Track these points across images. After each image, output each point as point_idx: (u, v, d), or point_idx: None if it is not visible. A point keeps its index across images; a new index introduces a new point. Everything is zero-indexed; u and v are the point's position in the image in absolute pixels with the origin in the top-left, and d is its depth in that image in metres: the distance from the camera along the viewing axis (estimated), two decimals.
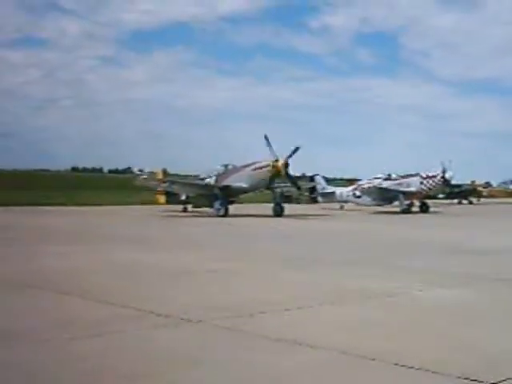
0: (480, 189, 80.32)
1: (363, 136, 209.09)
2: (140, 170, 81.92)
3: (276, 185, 38.11)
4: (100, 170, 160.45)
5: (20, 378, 5.85)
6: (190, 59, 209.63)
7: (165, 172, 45.45)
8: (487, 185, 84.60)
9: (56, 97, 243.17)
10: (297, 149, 36.56)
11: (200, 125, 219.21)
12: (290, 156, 36.54)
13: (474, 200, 76.90)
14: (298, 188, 41.50)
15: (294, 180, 38.94)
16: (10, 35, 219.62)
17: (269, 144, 36.00)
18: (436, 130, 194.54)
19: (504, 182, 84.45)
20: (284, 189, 39.97)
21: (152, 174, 46.28)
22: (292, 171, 38.43)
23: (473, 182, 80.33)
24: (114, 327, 7.81)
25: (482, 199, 79.23)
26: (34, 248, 17.30)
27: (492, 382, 5.79)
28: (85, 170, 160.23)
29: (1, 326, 7.75)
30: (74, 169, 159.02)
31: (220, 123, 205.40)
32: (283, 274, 12.84)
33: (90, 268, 13.38)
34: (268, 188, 38.50)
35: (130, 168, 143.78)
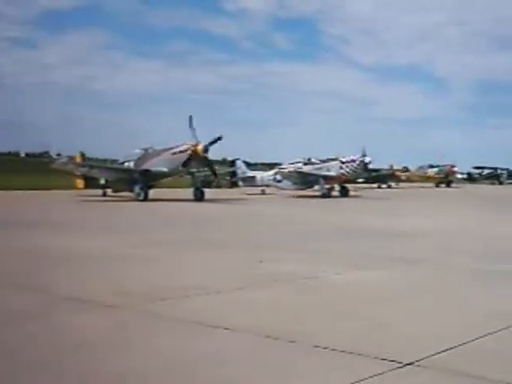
0: (398, 173, 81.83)
1: (284, 121, 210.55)
2: (58, 154, 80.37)
3: (196, 169, 37.87)
4: (16, 154, 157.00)
5: None
6: (106, 41, 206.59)
7: (83, 156, 44.69)
8: (405, 169, 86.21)
9: None
10: (219, 138, 36.33)
11: (117, 108, 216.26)
12: (211, 143, 36.26)
13: (393, 184, 78.24)
14: (215, 175, 41.29)
15: (211, 166, 38.76)
16: None
17: (191, 126, 35.66)
18: (356, 116, 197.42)
19: (421, 167, 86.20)
20: (205, 173, 39.81)
21: (70, 157, 45.41)
22: (213, 156, 38.40)
23: (391, 166, 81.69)
24: (27, 313, 7.54)
25: (401, 183, 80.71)
26: None
27: (407, 362, 5.78)
28: (1, 153, 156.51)
29: None
30: None
31: (137, 107, 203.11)
32: (200, 259, 12.71)
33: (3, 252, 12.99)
34: (188, 173, 38.24)
35: (47, 152, 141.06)
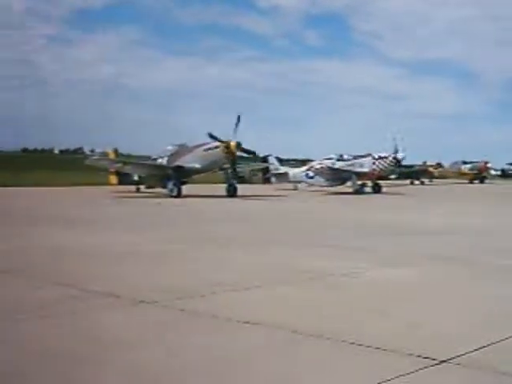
0: (431, 169, 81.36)
1: (316, 117, 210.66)
2: (91, 151, 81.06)
3: (228, 165, 37.91)
4: (51, 151, 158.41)
5: None
6: (139, 39, 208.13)
7: (116, 152, 45.04)
8: (438, 165, 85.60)
9: (4, 76, 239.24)
10: (238, 117, 36.01)
11: (150, 105, 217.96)
12: (236, 126, 35.96)
13: (426, 180, 77.81)
14: (253, 153, 41.28)
15: (249, 151, 38.80)
16: None
17: (237, 125, 35.63)
18: (388, 112, 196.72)
19: (455, 163, 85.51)
20: (237, 169, 39.89)
21: (103, 154, 45.77)
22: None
23: (424, 162, 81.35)
24: (62, 308, 7.61)
25: (434, 180, 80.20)
26: None
27: (442, 359, 5.75)
28: (35, 150, 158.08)
29: None
30: (24, 150, 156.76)
31: (170, 103, 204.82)
32: (234, 255, 12.72)
33: (35, 249, 13.12)
34: (221, 169, 38.33)
35: (81, 148, 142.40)
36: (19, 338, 6.35)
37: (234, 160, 37.03)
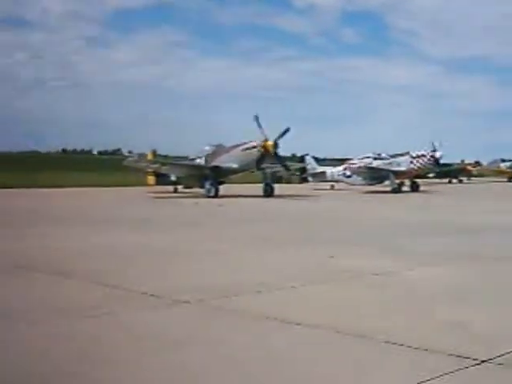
0: (470, 168, 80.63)
1: (353, 116, 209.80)
2: (129, 152, 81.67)
3: (266, 165, 37.98)
4: (90, 152, 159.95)
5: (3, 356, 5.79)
6: (177, 40, 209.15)
7: (154, 153, 45.39)
8: (477, 164, 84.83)
9: (44, 78, 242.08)
10: (287, 130, 36.39)
11: (188, 106, 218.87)
12: (280, 137, 36.35)
13: (464, 179, 77.17)
14: (287, 169, 41.38)
15: (282, 161, 38.83)
16: None
17: (259, 124, 35.84)
18: (426, 110, 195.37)
19: (493, 161, 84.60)
20: (274, 169, 39.92)
21: (142, 155, 46.12)
22: (282, 151, 38.52)
23: (463, 161, 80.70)
24: (106, 309, 7.73)
25: (472, 178, 79.51)
26: (31, 230, 17.19)
27: (483, 359, 5.75)
28: (74, 151, 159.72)
29: None
30: (64, 151, 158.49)
31: (208, 104, 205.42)
32: (273, 254, 12.78)
33: (81, 249, 13.30)
34: (258, 168, 38.40)
35: (119, 149, 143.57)
36: (64, 337, 6.48)
37: (275, 159, 37.13)
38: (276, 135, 36.27)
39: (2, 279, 9.80)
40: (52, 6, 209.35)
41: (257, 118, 35.76)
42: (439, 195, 42.70)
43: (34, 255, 12.33)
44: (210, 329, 6.88)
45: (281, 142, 36.58)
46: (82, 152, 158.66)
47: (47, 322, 7.04)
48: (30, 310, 7.64)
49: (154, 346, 6.17)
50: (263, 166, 37.63)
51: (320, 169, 52.68)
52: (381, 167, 46.10)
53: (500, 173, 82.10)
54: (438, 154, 46.01)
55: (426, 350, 6.04)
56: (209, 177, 36.60)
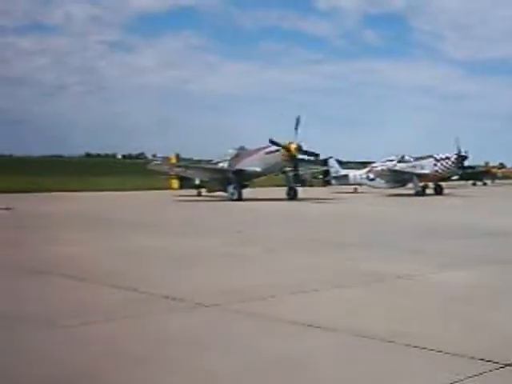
0: (494, 170, 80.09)
1: (376, 118, 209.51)
2: (153, 155, 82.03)
3: (289, 168, 37.95)
4: (113, 156, 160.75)
5: (28, 361, 5.87)
6: (199, 44, 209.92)
7: (178, 157, 45.51)
8: (501, 166, 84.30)
9: (67, 83, 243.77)
10: (298, 119, 35.95)
11: (211, 109, 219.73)
12: (296, 127, 35.90)
13: (489, 181, 76.66)
14: (317, 155, 41.07)
15: (311, 153, 38.74)
16: (18, 21, 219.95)
17: (297, 126, 35.66)
18: (449, 112, 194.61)
19: None
20: (298, 172, 39.87)
21: (165, 158, 46.34)
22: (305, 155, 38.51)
23: (487, 163, 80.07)
24: (128, 312, 7.82)
25: (497, 180, 78.97)
26: (55, 234, 17.34)
27: (506, 362, 5.76)
28: (98, 155, 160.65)
29: (15, 311, 7.78)
30: (88, 155, 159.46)
31: (231, 107, 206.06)
32: (296, 258, 12.81)
33: (103, 253, 13.42)
34: (282, 172, 38.40)
35: (143, 153, 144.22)
36: (86, 340, 6.57)
37: (295, 163, 37.08)
38: (306, 147, 36.36)
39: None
40: (75, 11, 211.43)
41: (298, 120, 35.57)
42: (463, 198, 42.45)
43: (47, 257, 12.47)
44: (228, 333, 6.94)
45: (304, 144, 36.59)
46: (106, 156, 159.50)
47: (66, 325, 7.13)
48: (44, 311, 7.76)
49: (176, 349, 6.24)
50: (286, 169, 37.64)
51: (343, 172, 52.59)
52: (404, 170, 45.94)
53: None
54: (462, 157, 45.81)
55: (448, 353, 6.06)
56: (232, 180, 36.64)
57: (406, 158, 47.42)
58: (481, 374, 5.48)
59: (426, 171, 45.71)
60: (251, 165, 37.09)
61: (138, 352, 6.16)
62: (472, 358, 5.91)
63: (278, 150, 36.37)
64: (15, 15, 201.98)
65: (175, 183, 43.46)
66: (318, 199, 37.30)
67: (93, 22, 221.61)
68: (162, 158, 47.96)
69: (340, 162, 57.24)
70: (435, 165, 45.81)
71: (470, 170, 64.32)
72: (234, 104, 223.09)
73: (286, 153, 36.07)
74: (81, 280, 10.06)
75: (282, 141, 36.34)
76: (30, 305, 8.21)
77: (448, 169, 46.21)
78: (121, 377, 5.49)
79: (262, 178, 39.40)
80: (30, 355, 6.02)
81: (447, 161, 45.84)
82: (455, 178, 59.81)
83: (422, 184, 45.82)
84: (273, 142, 36.18)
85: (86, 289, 9.40)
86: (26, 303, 8.32)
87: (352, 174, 51.17)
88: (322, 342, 6.55)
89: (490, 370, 5.58)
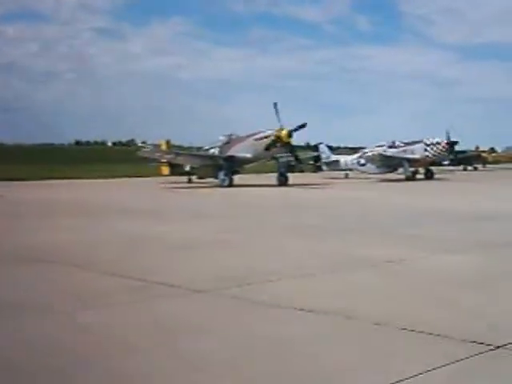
0: (485, 155, 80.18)
1: (367, 104, 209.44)
2: (143, 142, 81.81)
3: (280, 154, 38.02)
4: (103, 143, 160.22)
5: (21, 348, 5.91)
6: (189, 30, 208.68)
7: (168, 143, 45.50)
8: (492, 150, 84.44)
9: (57, 70, 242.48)
10: (303, 125, 36.56)
11: (201, 96, 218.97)
12: (295, 130, 36.49)
13: (479, 166, 76.79)
14: (298, 160, 41.18)
15: (294, 152, 38.83)
16: (6, 8, 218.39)
17: (277, 112, 35.94)
18: (439, 97, 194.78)
19: (508, 148, 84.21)
20: (288, 158, 39.92)
21: (156, 145, 46.31)
22: (296, 140, 38.57)
23: (477, 147, 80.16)
24: (122, 298, 7.84)
25: (487, 165, 79.10)
26: (47, 221, 17.37)
27: (498, 344, 5.80)
28: (88, 143, 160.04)
29: (10, 299, 7.79)
30: (78, 142, 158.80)
31: (221, 94, 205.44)
32: (287, 243, 12.85)
33: (97, 240, 13.42)
34: (272, 158, 38.44)
35: (133, 140, 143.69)
36: (85, 327, 6.59)
37: (289, 148, 37.21)
38: (291, 127, 36.43)
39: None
40: None
41: (276, 106, 35.92)
42: (454, 183, 42.57)
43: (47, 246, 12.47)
44: (225, 318, 6.97)
45: (295, 134, 36.72)
46: (96, 143, 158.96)
47: (65, 312, 7.16)
48: (42, 296, 7.78)
49: (173, 335, 6.27)
50: (277, 155, 37.69)
51: (334, 157, 52.67)
52: (395, 155, 46.02)
53: None
54: (452, 142, 45.92)
55: (439, 335, 6.10)
56: (223, 167, 36.68)
57: (397, 143, 47.52)
58: (473, 355, 5.52)
59: (417, 156, 45.80)
60: (242, 151, 37.13)
61: (130, 339, 6.18)
62: (463, 340, 5.94)
63: (267, 137, 36.48)
64: (3, 1, 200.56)
65: (165, 169, 43.46)
66: (308, 185, 37.34)
67: (82, 8, 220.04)
68: (153, 144, 47.88)
69: (331, 148, 57.37)
70: (425, 150, 45.90)
71: (460, 155, 64.43)
72: (226, 91, 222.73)
73: (276, 139, 36.22)
74: (77, 266, 10.08)
75: (273, 128, 36.47)
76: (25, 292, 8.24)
77: (438, 154, 46.31)
78: (113, 363, 5.51)
79: (253, 164, 39.42)
80: (26, 342, 6.06)
81: (437, 146, 45.94)
82: (446, 162, 60.01)
83: (412, 169, 45.93)
84: (275, 107, 36.22)
85: (82, 276, 9.43)
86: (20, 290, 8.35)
87: (343, 159, 51.25)
88: (314, 325, 6.57)
89: (482, 352, 5.60)
